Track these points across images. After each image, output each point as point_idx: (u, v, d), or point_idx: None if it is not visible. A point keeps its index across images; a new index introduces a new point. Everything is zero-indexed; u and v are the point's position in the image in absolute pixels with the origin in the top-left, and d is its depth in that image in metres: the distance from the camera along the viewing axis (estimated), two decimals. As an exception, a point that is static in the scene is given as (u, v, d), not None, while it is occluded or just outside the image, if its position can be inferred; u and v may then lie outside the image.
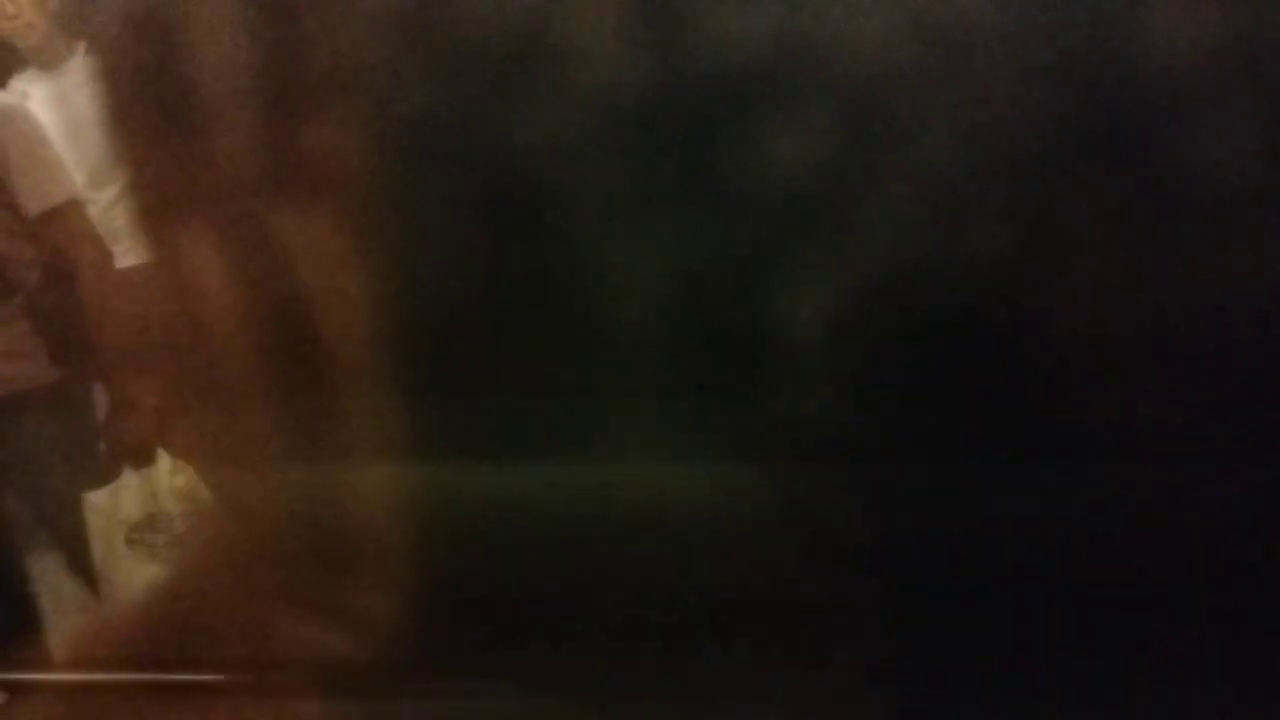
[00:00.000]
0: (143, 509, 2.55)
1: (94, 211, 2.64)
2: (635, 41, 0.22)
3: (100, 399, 2.56)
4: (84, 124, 2.59)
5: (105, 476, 2.55)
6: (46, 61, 2.72)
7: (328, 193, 0.23)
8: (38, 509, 2.51)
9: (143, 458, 2.54)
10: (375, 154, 0.23)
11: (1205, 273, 0.23)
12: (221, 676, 0.26)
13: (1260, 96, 0.22)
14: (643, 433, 0.23)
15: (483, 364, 0.23)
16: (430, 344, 0.24)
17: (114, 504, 2.55)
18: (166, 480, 2.55)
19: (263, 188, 0.23)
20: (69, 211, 2.38)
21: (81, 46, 2.73)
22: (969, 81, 0.22)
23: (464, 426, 0.23)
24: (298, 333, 0.24)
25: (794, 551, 0.25)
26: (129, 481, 2.55)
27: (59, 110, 2.63)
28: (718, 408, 0.24)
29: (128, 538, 2.54)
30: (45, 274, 2.37)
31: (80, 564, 2.56)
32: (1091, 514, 0.24)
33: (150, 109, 0.24)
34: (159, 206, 0.25)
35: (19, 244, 2.36)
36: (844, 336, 0.23)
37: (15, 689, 0.31)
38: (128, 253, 2.57)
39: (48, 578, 2.44)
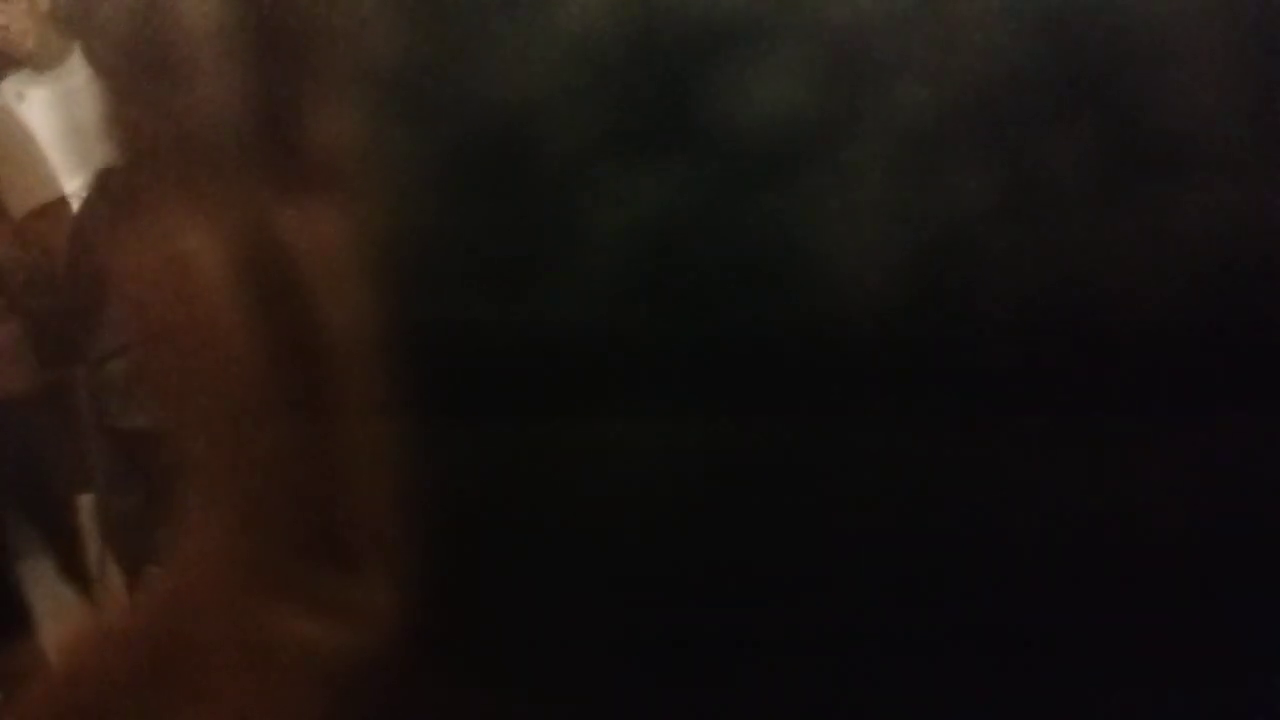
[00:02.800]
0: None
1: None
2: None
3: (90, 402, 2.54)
4: (82, 123, 2.58)
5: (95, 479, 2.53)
6: (42, 65, 2.70)
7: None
8: (29, 512, 2.49)
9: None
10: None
11: None
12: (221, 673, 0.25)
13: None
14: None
15: None
16: None
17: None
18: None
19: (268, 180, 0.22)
20: (56, 210, 2.34)
21: (78, 48, 2.71)
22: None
23: None
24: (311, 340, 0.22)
25: None
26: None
27: (56, 112, 2.62)
28: None
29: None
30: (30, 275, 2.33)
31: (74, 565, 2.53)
32: None
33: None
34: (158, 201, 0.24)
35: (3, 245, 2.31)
36: None
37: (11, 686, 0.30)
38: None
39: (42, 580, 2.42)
